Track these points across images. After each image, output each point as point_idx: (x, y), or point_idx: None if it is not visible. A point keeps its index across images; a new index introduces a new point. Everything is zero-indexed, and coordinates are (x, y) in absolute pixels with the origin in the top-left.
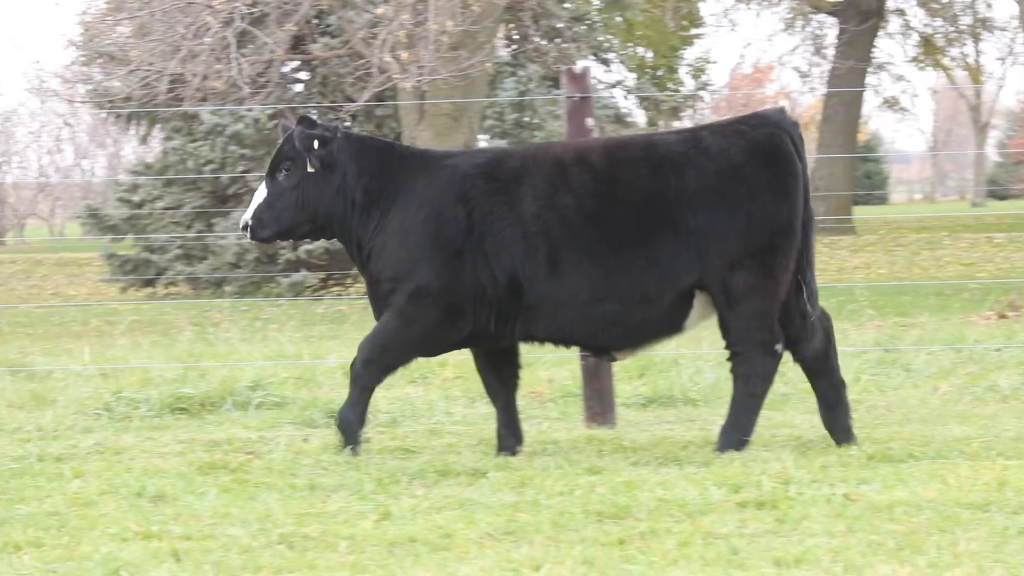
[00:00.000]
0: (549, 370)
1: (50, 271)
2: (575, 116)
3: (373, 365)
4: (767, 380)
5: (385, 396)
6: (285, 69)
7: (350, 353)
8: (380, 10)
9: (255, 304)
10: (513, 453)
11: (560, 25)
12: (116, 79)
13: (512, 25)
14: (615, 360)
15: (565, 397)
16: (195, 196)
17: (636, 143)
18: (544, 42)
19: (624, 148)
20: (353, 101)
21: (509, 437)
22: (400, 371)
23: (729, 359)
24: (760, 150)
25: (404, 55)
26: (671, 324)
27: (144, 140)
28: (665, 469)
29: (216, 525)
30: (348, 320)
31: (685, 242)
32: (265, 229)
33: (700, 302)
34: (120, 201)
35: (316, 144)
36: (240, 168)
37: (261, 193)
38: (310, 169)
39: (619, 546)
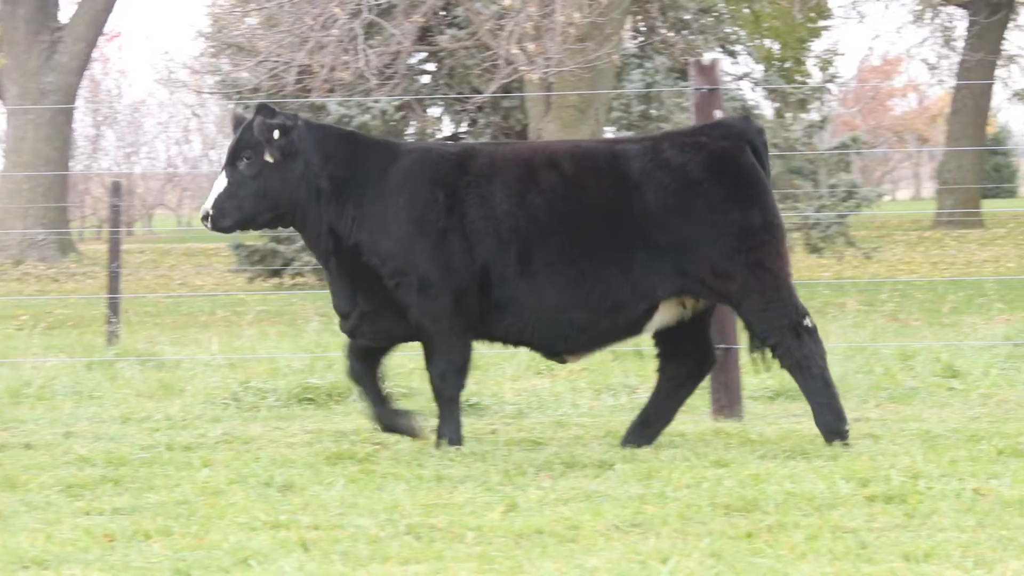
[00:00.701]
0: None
1: (178, 261)
2: (703, 108)
3: (449, 375)
4: (816, 357)
5: (512, 388)
6: (412, 60)
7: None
8: (507, 1)
9: None
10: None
11: (687, 17)
12: (244, 70)
13: (639, 17)
14: (565, 362)
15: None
16: None
17: (601, 152)
18: (671, 34)
19: (590, 156)
20: (480, 93)
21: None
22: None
23: (773, 357)
24: (718, 164)
25: (531, 47)
26: (632, 330)
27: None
28: (793, 462)
29: (344, 515)
30: None
31: (656, 255)
32: (226, 219)
33: (665, 308)
34: None
35: (276, 134)
36: None
37: (221, 182)
38: (269, 159)
39: (747, 539)
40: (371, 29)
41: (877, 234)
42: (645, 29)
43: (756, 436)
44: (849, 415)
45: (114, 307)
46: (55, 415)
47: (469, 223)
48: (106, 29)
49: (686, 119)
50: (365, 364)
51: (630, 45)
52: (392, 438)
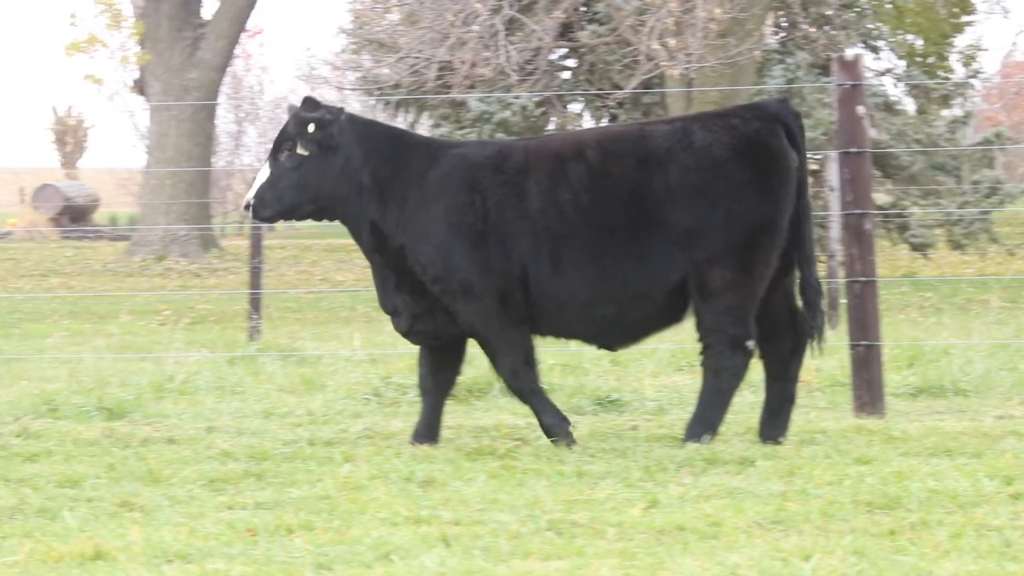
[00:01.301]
0: (818, 359)
1: (319, 257)
2: (846, 104)
3: (519, 371)
4: (737, 376)
5: (652, 384)
6: (553, 56)
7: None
8: None
9: None
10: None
11: (829, 12)
12: (385, 66)
13: (781, 12)
14: (615, 350)
15: (833, 386)
16: None
17: (628, 136)
18: (813, 29)
19: (616, 141)
20: (620, 88)
21: (424, 436)
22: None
23: (701, 352)
24: (745, 146)
25: (672, 42)
26: (669, 317)
27: (412, 127)
28: (936, 460)
29: (484, 511)
30: None
31: (669, 239)
32: (267, 209)
33: None
34: None
35: (311, 128)
36: None
37: (264, 173)
38: (302, 152)
39: (889, 537)
40: (512, 25)
41: (1021, 231)
42: (787, 24)
43: (898, 433)
44: (992, 412)
45: (256, 303)
46: (198, 410)
47: (506, 224)
48: (248, 26)
49: (828, 115)
50: (437, 379)
51: (772, 41)
52: (534, 434)
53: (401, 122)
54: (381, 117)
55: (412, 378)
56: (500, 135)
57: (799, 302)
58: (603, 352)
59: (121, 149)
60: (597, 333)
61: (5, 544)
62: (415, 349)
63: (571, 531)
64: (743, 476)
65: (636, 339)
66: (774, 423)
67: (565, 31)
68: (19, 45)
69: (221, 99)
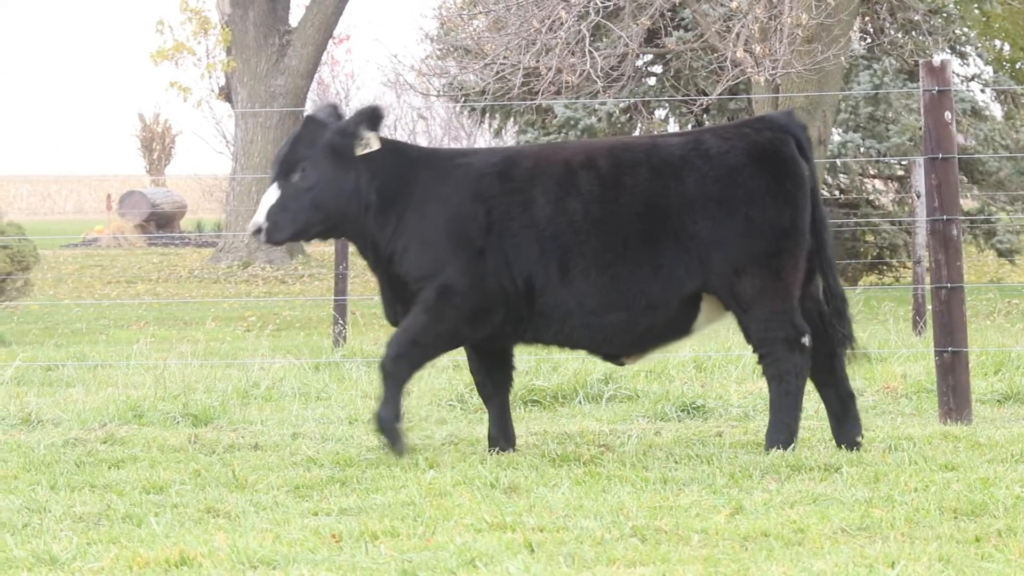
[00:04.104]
0: (903, 365)
1: None
2: (933, 110)
3: (403, 360)
4: (800, 376)
5: (737, 391)
6: (639, 63)
7: (702, 347)
8: (735, 3)
9: None
10: (504, 451)
11: (916, 18)
12: (471, 72)
13: (868, 18)
14: (623, 364)
15: (919, 393)
16: None
17: (639, 146)
18: (900, 35)
19: (628, 150)
20: (706, 95)
21: (501, 439)
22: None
23: (759, 362)
24: (760, 154)
25: (758, 48)
26: (679, 328)
27: (498, 133)
28: (1022, 466)
29: (569, 517)
30: None
31: (686, 247)
32: (281, 232)
33: (707, 305)
34: None
35: (364, 131)
36: None
37: (272, 195)
38: (373, 148)
39: (975, 544)
40: (598, 31)
41: None
42: (873, 30)
43: (984, 440)
44: None
45: (341, 309)
46: (283, 416)
47: (511, 233)
48: (335, 32)
49: (914, 121)
50: (495, 381)
51: (858, 46)
52: (618, 440)
53: (486, 128)
54: (467, 123)
55: None
56: None
57: (826, 308)
58: (688, 359)
59: (207, 156)
60: (604, 341)
61: (91, 550)
62: None
63: (655, 537)
64: (828, 482)
65: (644, 350)
66: (846, 425)
67: (651, 37)
68: (107, 53)
69: (307, 106)
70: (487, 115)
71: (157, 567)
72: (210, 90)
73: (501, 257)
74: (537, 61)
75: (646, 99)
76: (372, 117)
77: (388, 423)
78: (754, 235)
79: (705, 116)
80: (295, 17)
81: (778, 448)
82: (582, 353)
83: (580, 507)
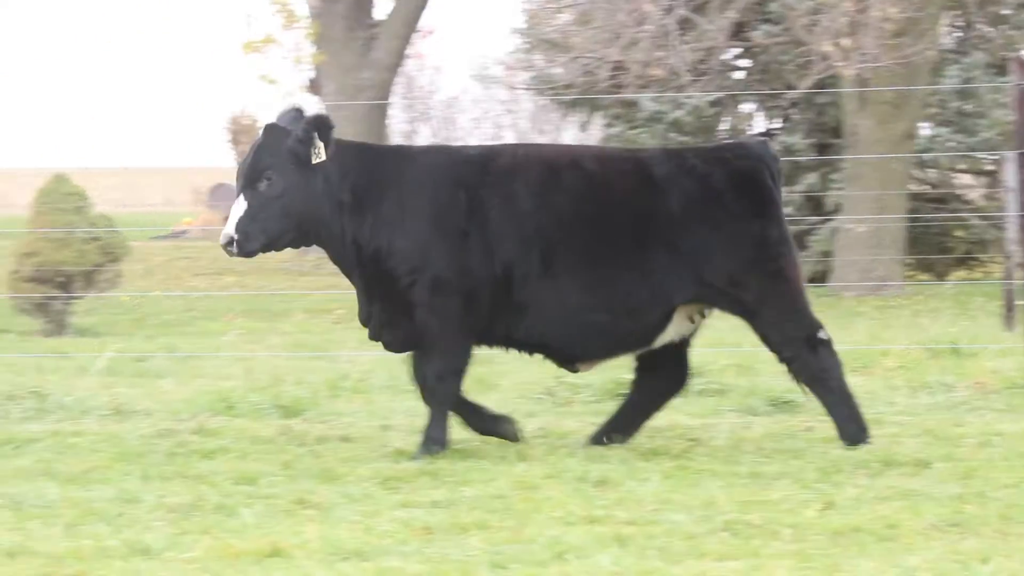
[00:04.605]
0: (994, 360)
1: None
2: (1023, 105)
3: (447, 376)
4: (835, 368)
5: None
6: (725, 56)
7: None
8: None
9: None
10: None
11: (1006, 12)
12: (558, 66)
13: (956, 12)
14: (577, 371)
15: (1011, 388)
16: None
17: (625, 157)
18: (989, 29)
19: (614, 159)
20: (793, 88)
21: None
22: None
23: (789, 371)
24: (740, 178)
25: (846, 42)
26: (647, 338)
27: (584, 127)
28: None
29: (659, 511)
30: None
31: (676, 259)
32: (252, 242)
33: (677, 319)
34: None
35: (325, 135)
36: None
37: (240, 206)
38: (321, 159)
39: None
40: (685, 25)
41: None
42: (962, 24)
43: None
44: None
45: None
46: (372, 408)
47: (491, 224)
48: (421, 26)
49: (1004, 116)
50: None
51: (947, 40)
52: (708, 434)
53: (573, 121)
54: (553, 116)
55: (584, 377)
56: (673, 135)
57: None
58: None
59: None
60: (577, 342)
61: (183, 540)
62: None
63: (746, 532)
64: (920, 478)
65: (606, 357)
66: (603, 435)
67: (738, 31)
68: (195, 45)
69: (394, 99)
70: (573, 108)
71: (249, 558)
72: (298, 83)
73: (483, 241)
74: (624, 55)
75: (733, 93)
76: (320, 125)
77: (437, 445)
78: (744, 248)
79: (793, 110)
80: (382, 10)
81: (858, 442)
82: (537, 356)
83: (670, 501)
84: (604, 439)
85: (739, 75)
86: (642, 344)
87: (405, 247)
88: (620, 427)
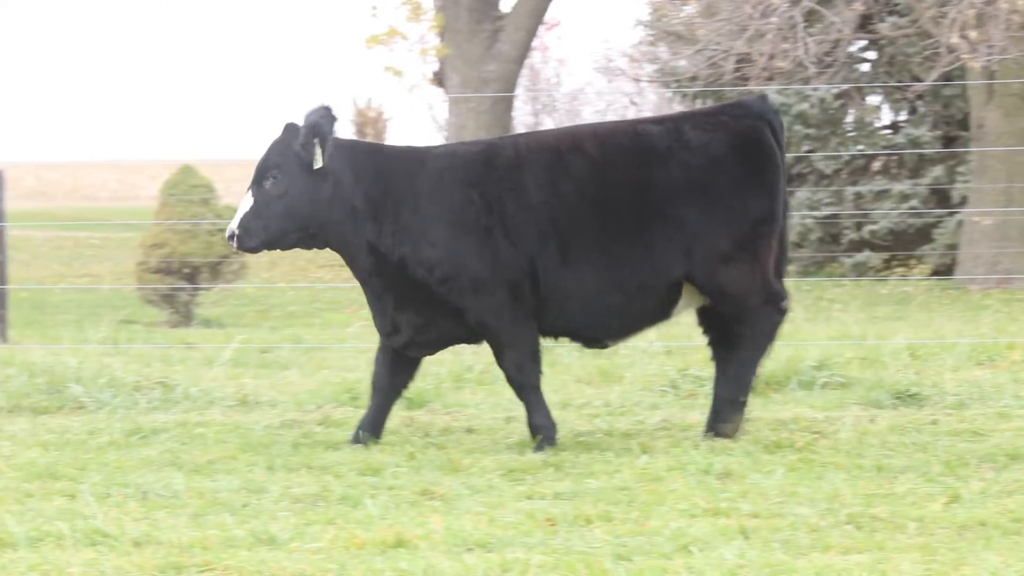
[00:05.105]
0: None
1: None
2: None
3: (525, 365)
4: (770, 336)
5: (952, 378)
6: (852, 48)
7: (916, 334)
8: None
9: (818, 284)
10: (363, 444)
11: None
12: (683, 58)
13: None
14: (607, 347)
15: None
16: None
17: (624, 131)
18: None
19: (613, 136)
20: (920, 81)
21: (369, 432)
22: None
23: (733, 324)
24: (741, 143)
25: (973, 34)
26: (662, 312)
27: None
28: None
29: (783, 504)
30: (913, 301)
31: (672, 234)
32: (252, 238)
33: (689, 289)
34: None
35: (323, 141)
36: (805, 148)
37: (247, 202)
38: (318, 165)
39: None
40: (811, 17)
41: None
42: None
43: None
44: None
45: None
46: (496, 400)
47: (509, 218)
48: (546, 18)
49: None
50: (392, 378)
51: None
52: (832, 427)
53: None
54: (677, 108)
55: (708, 370)
56: (798, 128)
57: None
58: (903, 346)
59: (420, 141)
60: (599, 325)
61: (309, 530)
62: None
63: (871, 525)
64: None
65: (632, 333)
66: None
67: (865, 23)
68: (321, 37)
69: (519, 91)
70: (698, 100)
71: (374, 548)
72: (422, 75)
73: (505, 234)
74: (749, 47)
75: (859, 85)
76: (318, 131)
77: (544, 430)
78: (737, 223)
79: (919, 102)
80: (507, 3)
81: (731, 406)
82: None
83: (794, 494)
84: (711, 431)
85: (865, 67)
86: (660, 318)
87: (432, 256)
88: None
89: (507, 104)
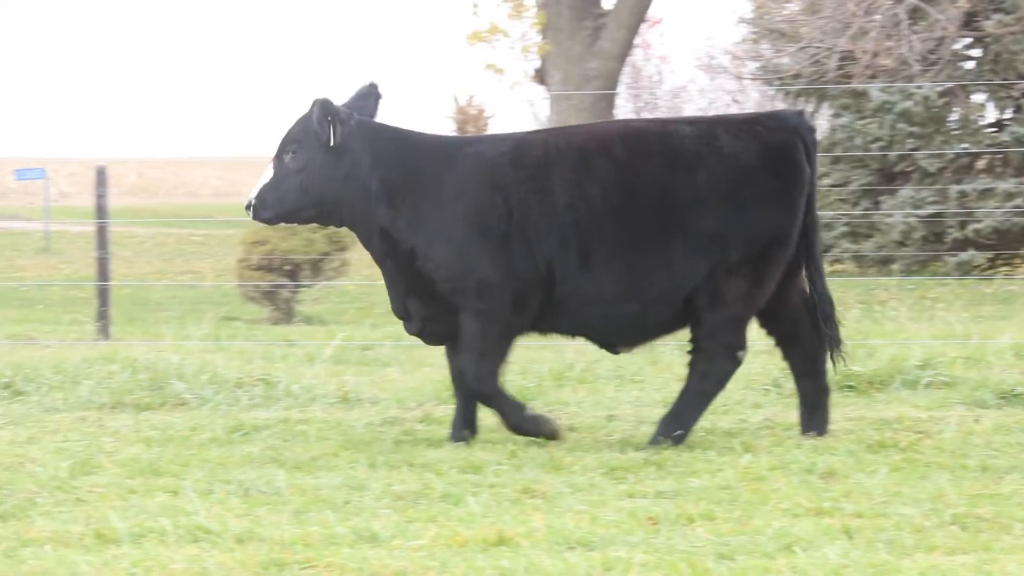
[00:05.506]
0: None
1: None
2: None
3: (487, 377)
4: (721, 382)
5: None
6: (956, 46)
7: (1022, 334)
8: None
9: (922, 283)
10: (467, 442)
11: None
12: (785, 56)
13: None
14: (619, 353)
15: None
16: (862, 174)
17: (652, 132)
18: None
19: (640, 138)
20: None
21: (465, 429)
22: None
23: (691, 352)
24: (773, 156)
25: None
26: (681, 321)
27: (812, 117)
28: None
29: (887, 503)
30: (1018, 300)
31: (694, 244)
32: (267, 210)
33: None
34: None
35: (338, 119)
36: (908, 146)
37: (267, 174)
38: (333, 143)
39: None
40: (915, 14)
41: None
42: None
43: None
44: None
45: None
46: (597, 398)
47: (531, 221)
48: (648, 15)
49: None
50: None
51: None
52: (936, 427)
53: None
54: (780, 106)
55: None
56: (902, 126)
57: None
58: (1007, 346)
59: None
60: (615, 332)
61: (411, 528)
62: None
63: (976, 526)
64: None
65: (647, 341)
66: (815, 417)
67: (969, 20)
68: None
69: (620, 89)
70: (801, 98)
71: (476, 546)
72: (524, 72)
73: (524, 241)
74: (853, 44)
75: (963, 83)
76: (330, 110)
77: (524, 427)
78: (757, 238)
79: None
80: (609, 0)
81: (664, 436)
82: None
83: (898, 494)
84: (810, 424)
85: (969, 65)
86: (676, 327)
87: (443, 253)
88: (811, 401)
89: (608, 102)
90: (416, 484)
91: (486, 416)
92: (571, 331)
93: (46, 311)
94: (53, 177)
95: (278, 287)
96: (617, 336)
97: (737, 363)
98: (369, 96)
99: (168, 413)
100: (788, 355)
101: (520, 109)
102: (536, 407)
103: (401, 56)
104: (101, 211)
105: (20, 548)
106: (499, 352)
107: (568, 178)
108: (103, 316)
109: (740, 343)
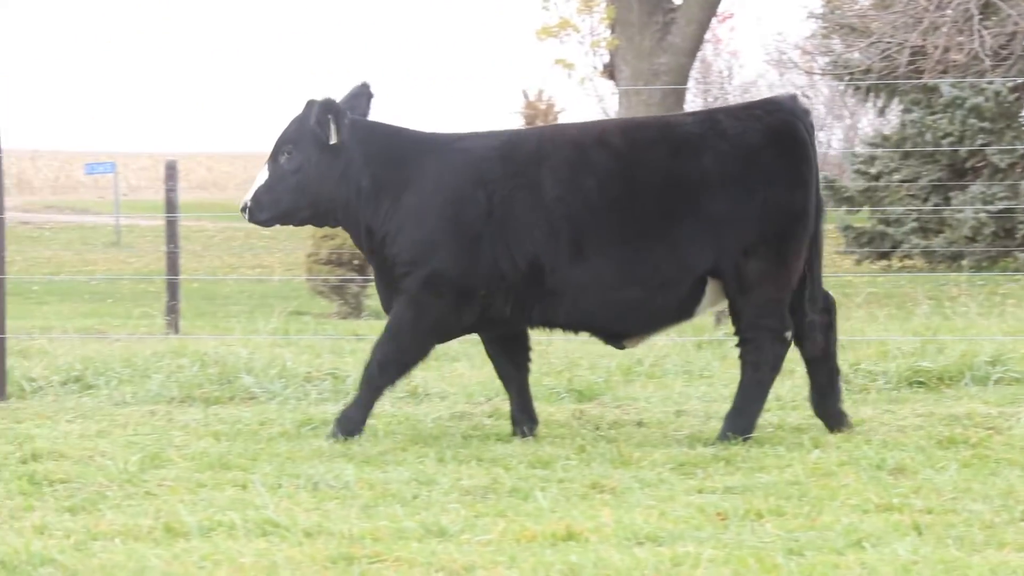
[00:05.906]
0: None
1: None
2: None
3: (391, 367)
4: (775, 368)
5: None
6: None
7: None
8: None
9: (992, 279)
10: (528, 435)
11: None
12: (856, 51)
13: None
14: (624, 348)
15: None
16: (932, 169)
17: (653, 124)
18: None
19: (642, 129)
20: None
21: (525, 420)
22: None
23: (738, 345)
24: (776, 135)
25: None
26: (685, 310)
27: (882, 112)
28: None
29: (957, 500)
30: None
31: (701, 227)
32: (263, 212)
33: (712, 288)
34: (856, 173)
35: (337, 118)
36: (979, 141)
37: (262, 175)
38: (333, 141)
39: None
40: (987, 9)
41: None
42: None
43: None
44: None
45: None
46: (666, 393)
47: (514, 216)
48: (719, 10)
49: None
50: (514, 362)
51: None
52: (1007, 423)
53: (870, 107)
54: (850, 101)
55: (880, 365)
56: (972, 121)
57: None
58: None
59: None
60: (617, 319)
61: (479, 522)
62: (882, 336)
63: None
64: None
65: (651, 331)
66: (830, 398)
67: None
68: (492, 29)
69: (690, 84)
70: (871, 93)
71: (544, 541)
72: (593, 67)
73: (501, 241)
74: (924, 40)
75: None
76: (332, 109)
77: (351, 424)
78: (767, 217)
79: None
80: None
81: (733, 433)
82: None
83: (968, 490)
84: (823, 407)
85: None
86: (682, 316)
87: (409, 237)
88: (822, 383)
89: (678, 97)
90: (485, 479)
91: (545, 407)
92: (571, 323)
93: (116, 305)
94: (123, 171)
95: (347, 281)
96: (620, 323)
97: (786, 344)
98: (361, 95)
99: (237, 407)
100: (796, 339)
101: (589, 104)
102: (605, 402)
103: (471, 51)
104: (171, 205)
105: (90, 541)
106: (418, 350)
107: (560, 171)
108: (173, 310)
109: (782, 325)
